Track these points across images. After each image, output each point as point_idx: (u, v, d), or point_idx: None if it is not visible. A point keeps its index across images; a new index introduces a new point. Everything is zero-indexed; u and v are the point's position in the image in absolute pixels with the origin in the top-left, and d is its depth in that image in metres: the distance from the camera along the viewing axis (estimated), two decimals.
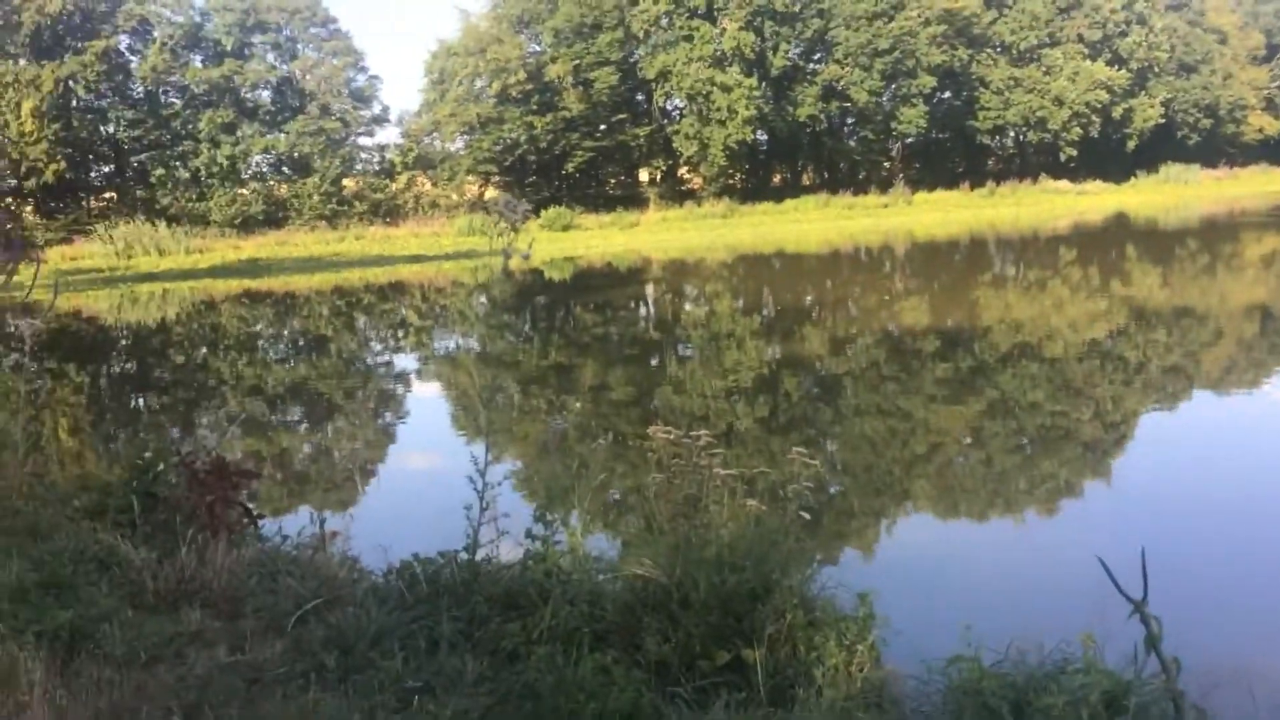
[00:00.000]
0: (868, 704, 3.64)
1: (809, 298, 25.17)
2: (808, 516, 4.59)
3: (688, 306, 25.18)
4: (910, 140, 66.98)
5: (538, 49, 57.94)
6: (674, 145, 58.50)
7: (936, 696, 3.76)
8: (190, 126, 49.55)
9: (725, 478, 4.61)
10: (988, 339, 16.62)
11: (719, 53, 55.15)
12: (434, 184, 55.98)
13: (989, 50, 65.79)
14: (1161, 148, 73.29)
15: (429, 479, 9.66)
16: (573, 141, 55.90)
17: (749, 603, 4.17)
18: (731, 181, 60.80)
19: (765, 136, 61.22)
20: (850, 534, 7.72)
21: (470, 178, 57.46)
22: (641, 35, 57.32)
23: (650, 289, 30.45)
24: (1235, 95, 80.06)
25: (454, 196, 55.17)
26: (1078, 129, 65.56)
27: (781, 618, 4.10)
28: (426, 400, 15.08)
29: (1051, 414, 11.51)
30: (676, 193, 61.18)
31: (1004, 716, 3.28)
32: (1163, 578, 6.02)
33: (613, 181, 63.92)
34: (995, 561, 7.09)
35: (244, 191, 50.17)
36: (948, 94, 67.02)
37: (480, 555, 5.06)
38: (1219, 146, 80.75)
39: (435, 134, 57.37)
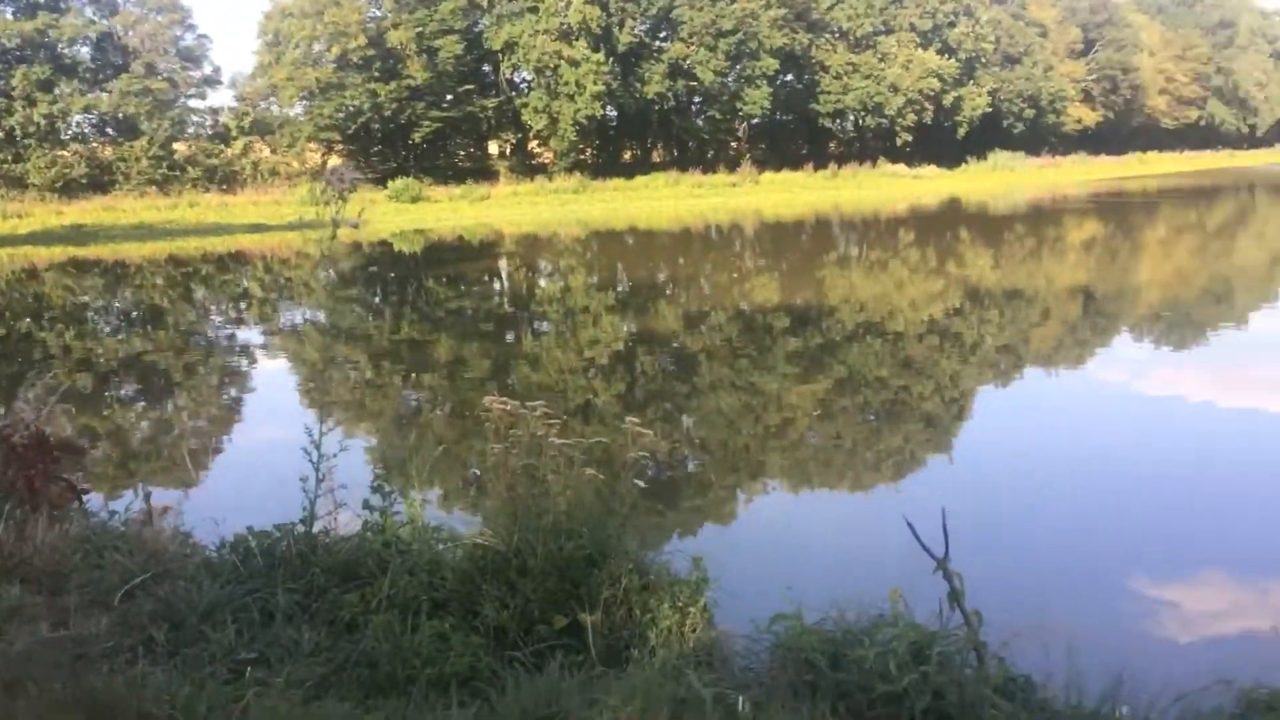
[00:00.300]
0: (699, 662, 3.79)
1: (662, 274, 25.48)
2: (643, 485, 4.73)
3: (542, 282, 25.15)
4: (756, 121, 68.35)
5: (378, 14, 56.33)
6: (523, 118, 58.06)
7: (764, 654, 3.95)
8: (2, 83, 46.32)
9: (562, 447, 4.70)
10: (835, 317, 17.20)
11: (565, 26, 54.90)
12: (273, 150, 53.96)
13: (828, 35, 67.75)
14: (990, 135, 77.05)
15: (268, 453, 9.45)
16: (418, 111, 54.76)
17: (586, 568, 4.28)
18: (582, 157, 60.79)
19: (615, 113, 61.43)
20: (690, 502, 7.94)
21: (312, 145, 55.67)
22: (486, 4, 56.59)
23: (504, 263, 30.26)
24: (1056, 87, 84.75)
25: (295, 164, 53.35)
26: (912, 115, 68.26)
27: (617, 582, 4.23)
28: (269, 374, 14.65)
29: (889, 389, 12.06)
30: (527, 167, 60.79)
31: (822, 669, 3.50)
32: (971, 538, 6.49)
33: (462, 154, 62.99)
34: (828, 526, 7.42)
35: (65, 153, 47.30)
36: (790, 77, 68.77)
37: (318, 527, 5.02)
38: (1042, 135, 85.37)
39: (272, 98, 55.31)
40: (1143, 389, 11.52)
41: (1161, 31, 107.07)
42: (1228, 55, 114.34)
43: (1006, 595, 5.41)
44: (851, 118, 71.54)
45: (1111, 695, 3.49)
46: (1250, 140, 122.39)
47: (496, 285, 25.22)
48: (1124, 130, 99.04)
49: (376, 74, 53.22)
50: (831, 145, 74.11)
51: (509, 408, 4.84)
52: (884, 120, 68.56)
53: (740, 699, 3.37)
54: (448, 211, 46.03)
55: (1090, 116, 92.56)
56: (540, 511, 4.50)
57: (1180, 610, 5.61)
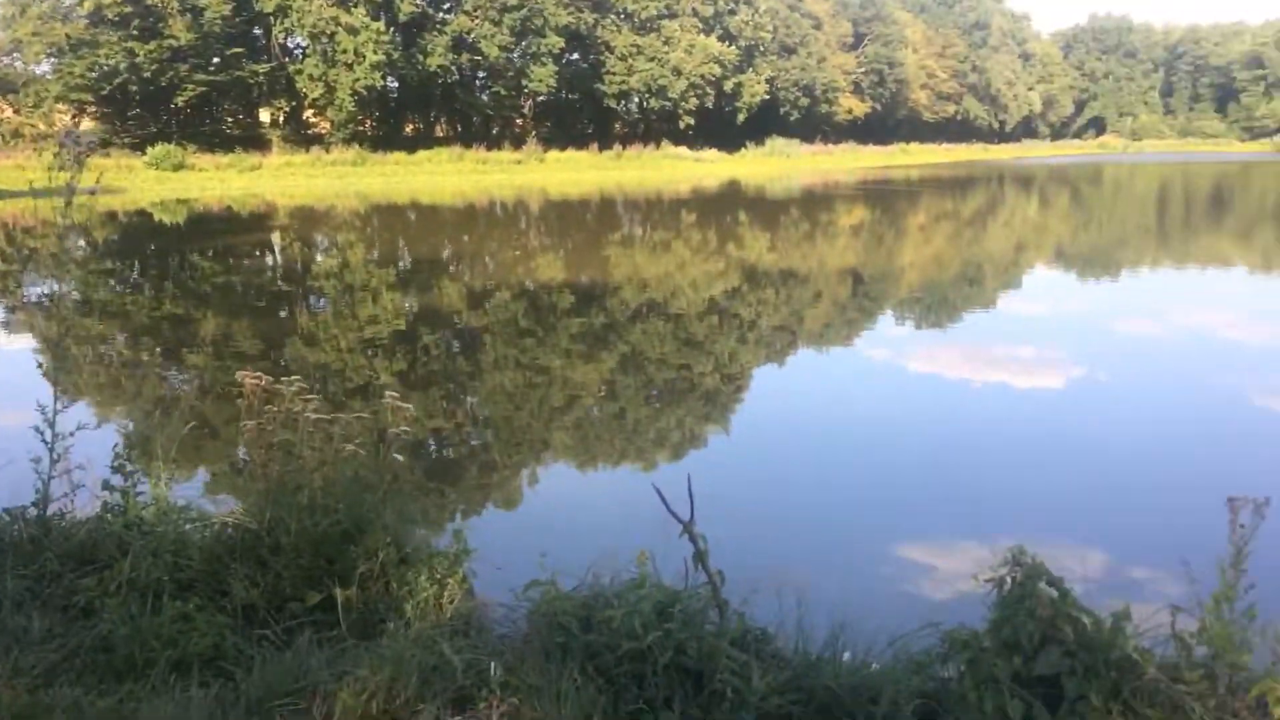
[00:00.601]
0: (455, 632, 3.81)
1: (446, 251, 25.10)
2: (402, 459, 4.70)
3: (319, 256, 24.26)
4: (541, 99, 68.38)
5: None
6: (297, 86, 55.81)
7: (522, 620, 4.03)
8: None
9: (319, 423, 4.60)
10: (619, 296, 17.43)
11: None
12: (16, 111, 49.65)
13: (613, 16, 68.50)
14: (768, 122, 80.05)
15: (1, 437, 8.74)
16: (181, 74, 51.62)
17: (341, 544, 4.21)
18: (362, 129, 59.06)
19: (395, 84, 59.96)
20: (469, 477, 7.93)
21: (61, 106, 51.54)
22: None
23: (277, 237, 28.98)
24: (828, 78, 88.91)
25: (41, 126, 49.26)
26: (694, 99, 70.01)
27: (374, 557, 4.19)
28: (7, 353, 13.50)
29: (670, 367, 12.36)
30: (302, 136, 58.53)
31: (573, 632, 3.61)
32: (727, 504, 6.81)
33: (230, 120, 59.90)
34: (595, 497, 7.58)
35: None
36: (576, 56, 69.16)
37: (53, 510, 4.71)
38: (816, 124, 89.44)
39: (16, 54, 50.82)
40: (900, 365, 12.29)
41: (924, 30, 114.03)
42: (982, 55, 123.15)
43: (754, 555, 5.75)
44: (636, 99, 72.74)
45: (833, 641, 3.78)
46: (1000, 135, 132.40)
47: (269, 259, 24.17)
48: (890, 121, 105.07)
49: (134, 32, 49.77)
50: (617, 126, 75.12)
51: (262, 382, 4.70)
52: (667, 103, 69.98)
53: (492, 664, 3.44)
54: (214, 181, 43.76)
55: (860, 107, 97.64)
56: (296, 488, 4.40)
57: (903, 564, 6.09)
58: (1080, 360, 12.34)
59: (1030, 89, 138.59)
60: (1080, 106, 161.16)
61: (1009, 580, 3.43)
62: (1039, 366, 11.85)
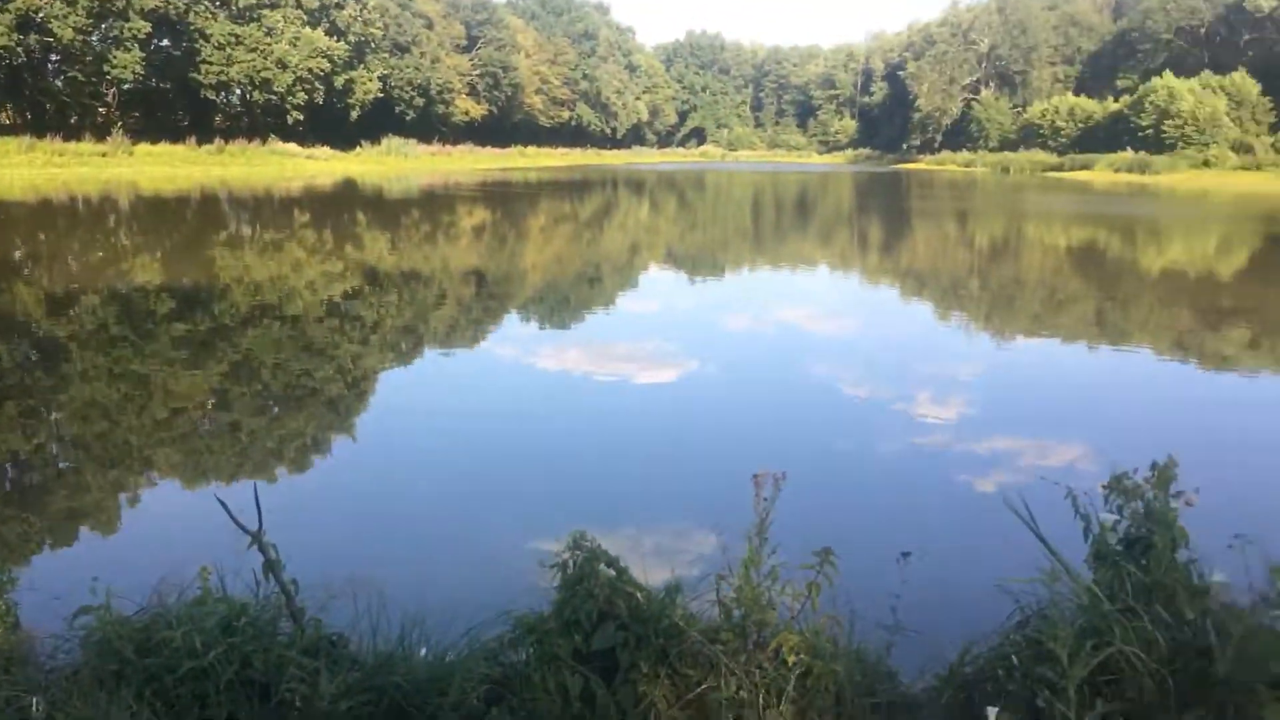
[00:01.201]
0: None
1: (17, 251, 22.04)
2: None
3: None
4: (128, 87, 62.49)
5: None
6: None
7: (77, 650, 3.72)
8: None
9: None
10: (227, 299, 16.12)
11: None
12: None
13: (207, 3, 64.22)
14: (383, 121, 78.69)
15: None
16: None
17: None
18: None
19: None
20: (17, 500, 6.88)
21: None
22: None
23: None
24: (443, 78, 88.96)
25: None
26: (302, 94, 67.33)
27: None
28: None
29: (287, 373, 11.52)
30: None
31: (129, 657, 3.44)
32: (305, 510, 6.50)
33: None
34: (170, 514, 6.84)
35: None
36: (166, 42, 64.11)
37: None
38: (433, 124, 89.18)
39: None
40: (513, 363, 12.19)
41: (535, 36, 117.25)
42: (592, 64, 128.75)
43: (337, 561, 5.59)
44: (238, 91, 68.59)
45: (407, 637, 3.86)
46: (613, 141, 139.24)
47: None
48: (507, 125, 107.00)
49: None
50: (217, 119, 70.43)
51: None
52: (273, 97, 66.76)
53: (34, 699, 3.15)
54: None
55: (476, 109, 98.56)
56: None
57: (486, 557, 6.05)
58: (679, 354, 12.89)
59: (638, 98, 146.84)
60: (683, 117, 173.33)
61: (571, 564, 3.64)
62: (641, 361, 12.28)
